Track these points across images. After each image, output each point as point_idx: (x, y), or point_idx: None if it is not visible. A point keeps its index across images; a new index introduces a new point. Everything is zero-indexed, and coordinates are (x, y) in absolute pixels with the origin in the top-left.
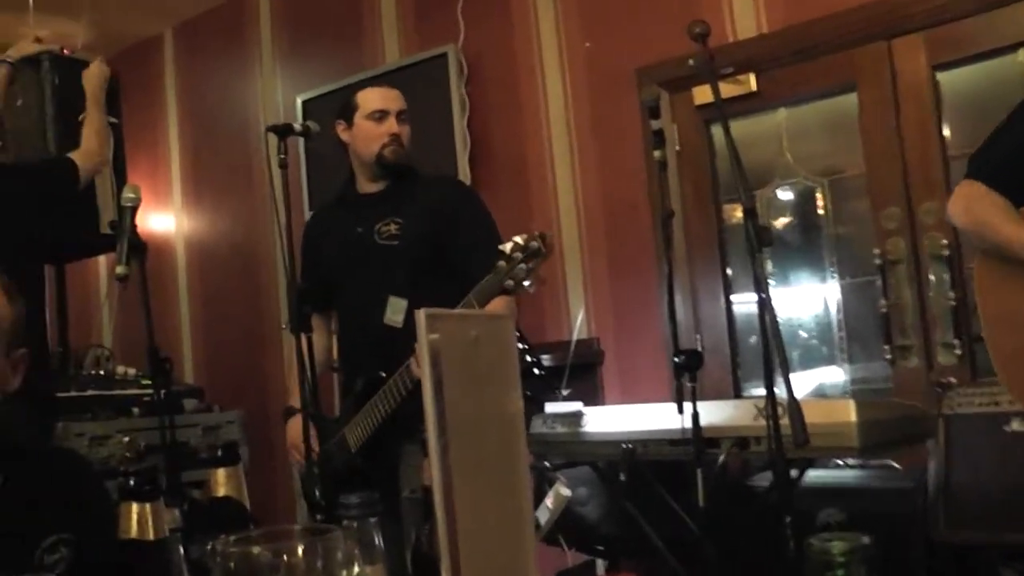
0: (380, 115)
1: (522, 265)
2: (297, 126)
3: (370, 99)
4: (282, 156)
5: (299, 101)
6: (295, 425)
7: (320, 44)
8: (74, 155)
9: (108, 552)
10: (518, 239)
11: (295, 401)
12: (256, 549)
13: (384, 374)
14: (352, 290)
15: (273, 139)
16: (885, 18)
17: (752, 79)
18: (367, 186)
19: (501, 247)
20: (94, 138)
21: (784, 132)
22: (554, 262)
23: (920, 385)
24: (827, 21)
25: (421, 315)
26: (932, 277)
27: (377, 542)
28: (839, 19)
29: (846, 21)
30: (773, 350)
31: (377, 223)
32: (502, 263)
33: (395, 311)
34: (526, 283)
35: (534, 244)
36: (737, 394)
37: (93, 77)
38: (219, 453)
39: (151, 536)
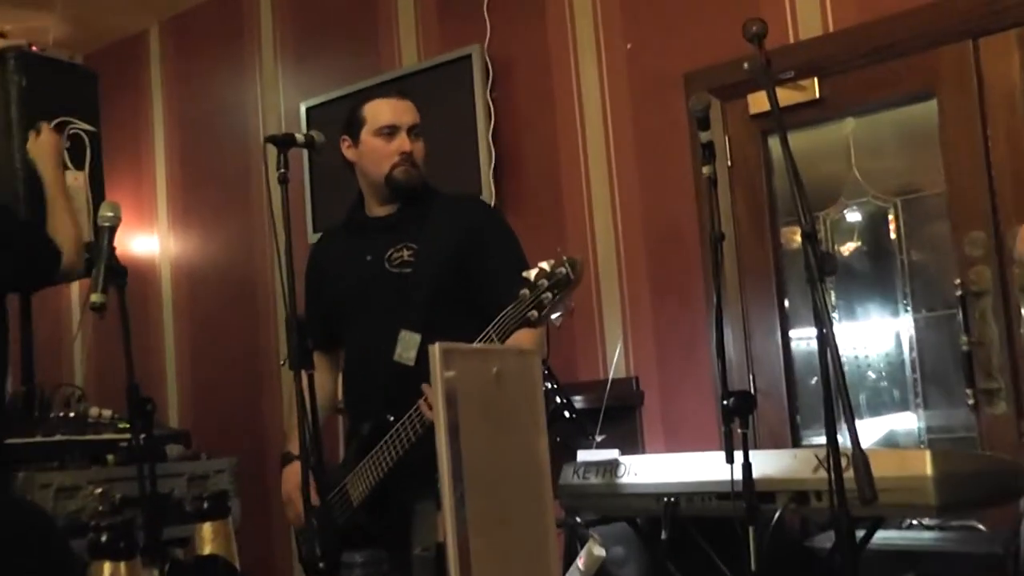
0: (390, 131)
1: (547, 294)
2: (300, 136)
3: (378, 112)
4: (283, 171)
5: (303, 108)
6: (292, 474)
7: (328, 44)
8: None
9: None
10: (544, 265)
11: (294, 447)
12: None
13: (392, 418)
14: (359, 324)
15: (273, 151)
16: (971, 14)
17: (815, 85)
18: (377, 209)
19: (525, 274)
20: (68, 232)
21: (852, 145)
22: (589, 291)
23: (1008, 434)
24: (903, 18)
25: (436, 349)
26: (1023, 311)
27: None
28: (917, 16)
29: (925, 18)
30: (836, 392)
31: (388, 249)
32: (525, 291)
33: (406, 347)
34: (554, 315)
35: (561, 271)
36: (795, 442)
37: (44, 151)
38: (205, 505)
39: None
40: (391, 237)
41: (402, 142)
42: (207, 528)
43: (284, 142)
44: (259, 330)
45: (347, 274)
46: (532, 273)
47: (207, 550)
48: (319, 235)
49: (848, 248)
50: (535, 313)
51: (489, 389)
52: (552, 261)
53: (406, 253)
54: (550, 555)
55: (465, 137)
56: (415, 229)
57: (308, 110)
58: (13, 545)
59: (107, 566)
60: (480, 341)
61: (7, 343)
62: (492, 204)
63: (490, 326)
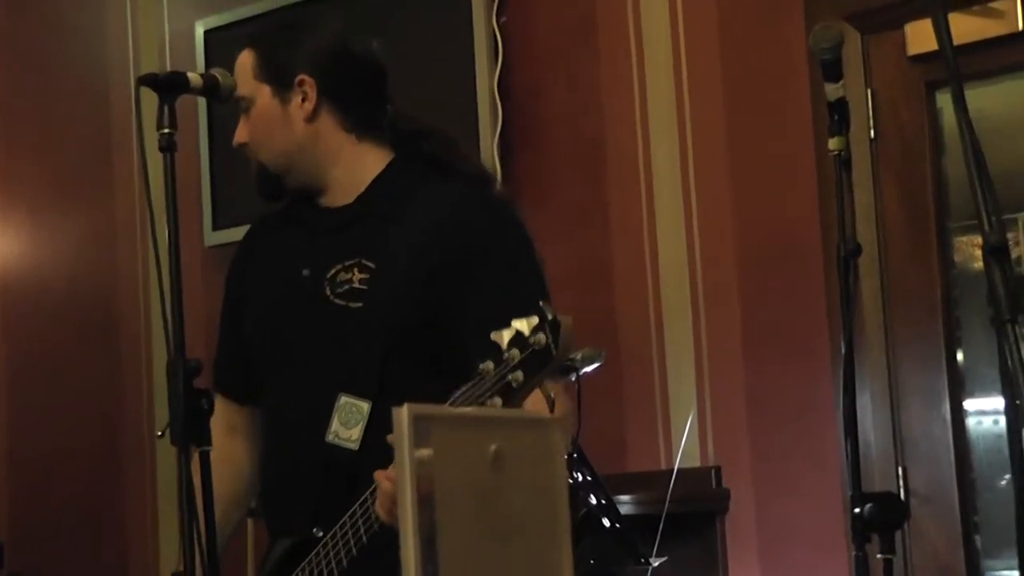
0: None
1: (517, 373)
2: (195, 77)
3: None
4: (167, 131)
5: (200, 32)
6: None
7: None
8: None
9: None
10: (522, 325)
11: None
12: None
13: (320, 533)
14: (280, 378)
15: (152, 100)
16: None
17: (1019, 8)
18: (332, 194)
19: (494, 336)
20: None
21: None
22: (646, 334)
23: None
24: None
25: (403, 415)
26: None
27: None
28: None
29: None
30: None
31: (334, 266)
32: (488, 365)
33: (347, 422)
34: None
35: (540, 339)
36: (973, 575)
37: None
38: None
39: None
40: (341, 245)
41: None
42: None
43: (171, 85)
44: (123, 379)
45: (272, 294)
46: (505, 336)
47: None
48: (253, 223)
49: None
50: (498, 401)
51: (484, 478)
52: (536, 320)
53: (357, 276)
54: None
55: (456, 85)
56: (377, 237)
57: (207, 35)
58: None
59: None
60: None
61: None
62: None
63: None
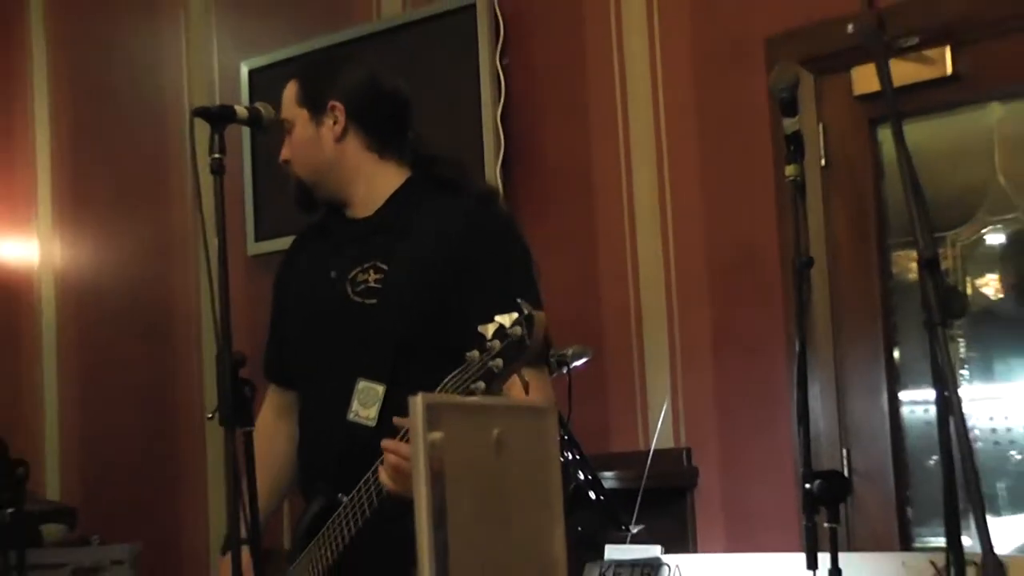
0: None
1: (498, 361)
2: (241, 110)
3: None
4: (216, 156)
5: (245, 71)
6: (226, 566)
7: None
8: None
9: None
10: (504, 319)
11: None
12: None
13: (343, 497)
14: (311, 366)
15: (204, 129)
16: None
17: (947, 56)
18: (358, 207)
19: (481, 329)
20: None
21: (997, 140)
22: (627, 333)
23: None
24: None
25: (417, 403)
26: None
27: None
28: None
29: None
30: (962, 478)
31: (354, 268)
32: (474, 353)
33: (365, 403)
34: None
35: (516, 332)
36: (905, 544)
37: None
38: None
39: None
40: (361, 250)
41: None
42: None
43: (220, 117)
44: (178, 371)
45: (306, 294)
46: (490, 329)
47: None
48: (290, 239)
49: (986, 282)
50: (482, 385)
51: (488, 459)
52: (515, 315)
53: (372, 277)
54: None
55: (464, 118)
56: (392, 242)
57: (252, 73)
58: None
59: None
60: (401, 436)
61: None
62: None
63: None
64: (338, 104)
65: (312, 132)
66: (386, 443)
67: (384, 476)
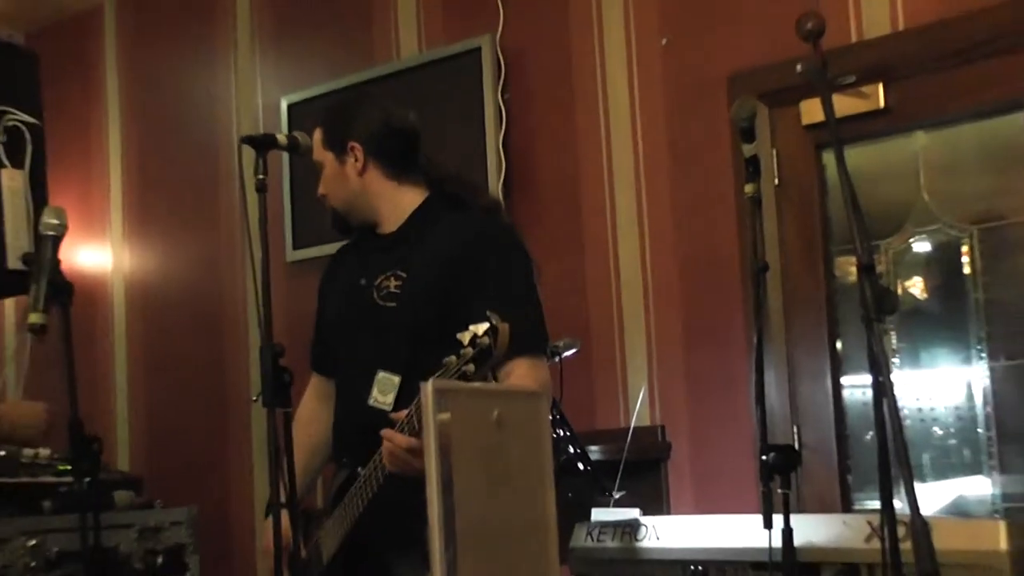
0: None
1: (470, 366)
2: (282, 138)
3: None
4: (261, 177)
5: (284, 105)
6: (270, 526)
7: (315, 30)
8: None
9: None
10: (477, 328)
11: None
12: None
13: (361, 470)
14: (343, 359)
15: (250, 154)
16: None
17: (880, 92)
18: (385, 223)
19: (459, 336)
20: None
21: (922, 163)
22: (610, 326)
23: None
24: (986, 14)
25: (428, 388)
26: None
27: None
28: (1003, 11)
29: (1013, 14)
30: (894, 450)
31: (379, 276)
32: (452, 358)
33: (383, 390)
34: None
35: (484, 341)
36: (846, 507)
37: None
38: (159, 561)
39: None
40: (385, 260)
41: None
42: None
43: (264, 143)
44: (227, 360)
45: (340, 298)
46: (465, 337)
47: None
48: (318, 250)
49: (914, 283)
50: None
51: (489, 436)
52: (485, 325)
53: (393, 283)
54: None
55: (471, 143)
56: (408, 253)
57: (290, 107)
58: None
59: None
60: (412, 409)
61: None
62: (508, 221)
63: (415, 402)
64: (356, 144)
65: (338, 170)
66: (385, 432)
67: (385, 459)
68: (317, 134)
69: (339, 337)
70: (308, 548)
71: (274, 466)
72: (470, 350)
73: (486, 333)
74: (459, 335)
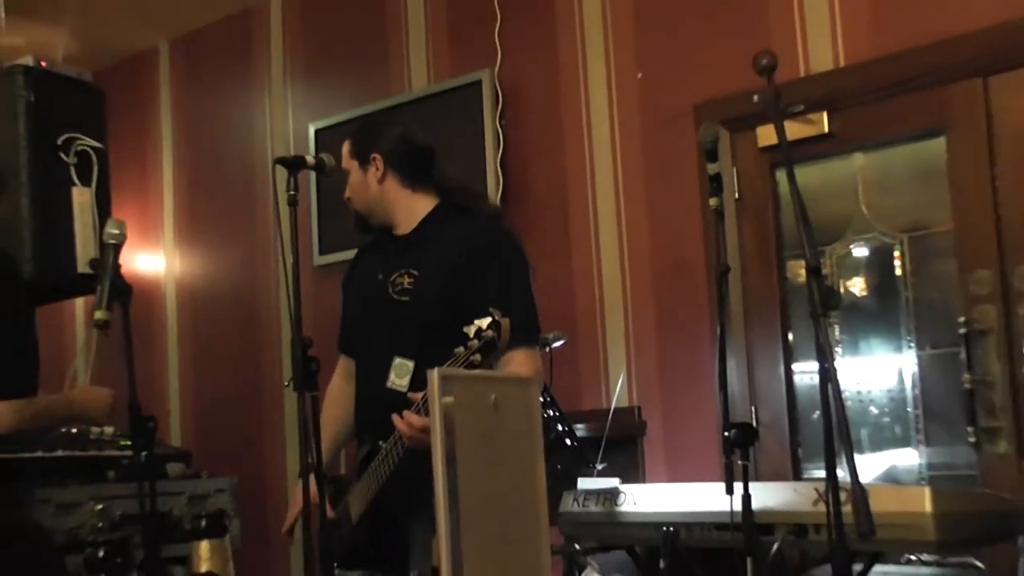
0: None
1: (476, 356)
2: (310, 159)
3: None
4: (292, 192)
5: (312, 130)
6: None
7: (338, 65)
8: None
9: None
10: (482, 322)
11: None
12: None
13: (382, 444)
14: (363, 346)
15: (282, 173)
16: (982, 51)
17: (825, 119)
18: (399, 228)
19: (466, 329)
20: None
21: (860, 181)
22: (593, 319)
23: (1008, 473)
24: (914, 54)
25: (434, 375)
26: None
27: None
28: (928, 52)
29: (937, 54)
30: (837, 427)
31: (394, 273)
32: (461, 349)
33: (400, 374)
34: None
35: (489, 335)
36: (796, 476)
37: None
38: (203, 524)
39: None
40: (399, 259)
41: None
42: (204, 546)
43: (294, 164)
44: (263, 351)
45: (360, 293)
46: (471, 330)
47: (204, 568)
48: (342, 255)
49: (853, 284)
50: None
51: (487, 417)
52: (489, 319)
53: (406, 280)
54: None
55: (474, 163)
56: (420, 254)
57: (317, 132)
58: (6, 560)
59: None
60: (422, 398)
61: (37, 360)
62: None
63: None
64: (378, 156)
65: (362, 177)
66: (395, 417)
67: (403, 428)
68: (346, 146)
69: (360, 327)
70: (338, 510)
71: (303, 441)
72: (476, 342)
73: (490, 327)
74: (465, 328)
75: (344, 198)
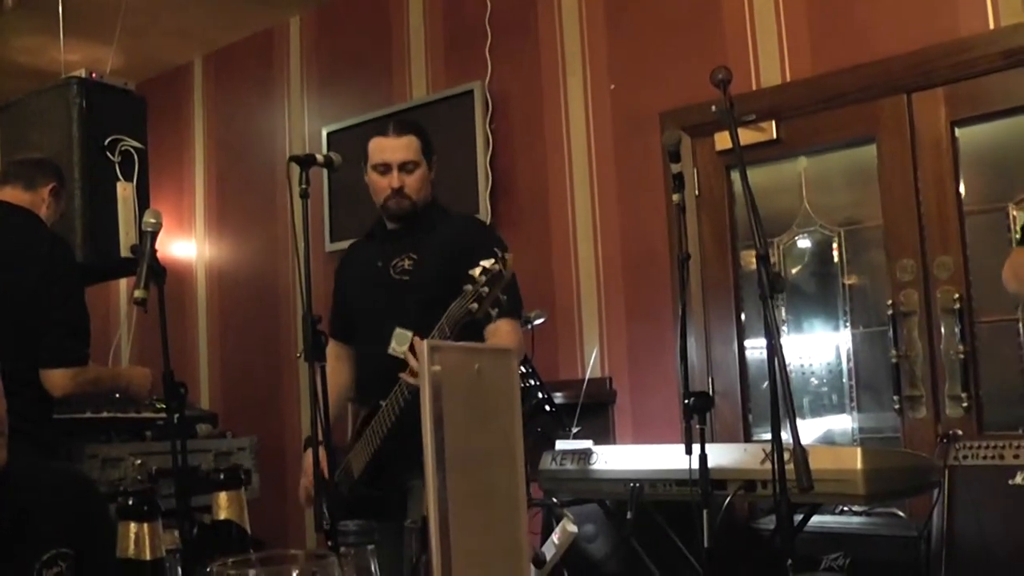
0: (383, 168)
1: (485, 288)
2: (320, 157)
3: (374, 151)
4: (304, 187)
5: (324, 133)
6: (309, 456)
7: (348, 76)
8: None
9: (107, 569)
10: (485, 263)
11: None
12: (252, 572)
13: (382, 403)
14: (365, 322)
15: (296, 169)
16: (907, 72)
17: (773, 127)
18: (389, 223)
19: (470, 272)
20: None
21: (803, 181)
22: (570, 300)
23: (927, 435)
24: (850, 72)
25: (424, 346)
26: (943, 330)
27: (373, 569)
28: (862, 71)
29: (868, 73)
30: (782, 396)
31: (394, 258)
32: (468, 287)
33: (400, 342)
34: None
35: (496, 267)
36: (747, 438)
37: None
38: (221, 476)
39: (147, 556)
40: (398, 247)
41: (393, 178)
42: (222, 496)
43: (306, 162)
44: (280, 326)
45: (360, 277)
46: (476, 271)
47: (222, 516)
48: (350, 241)
49: (797, 270)
50: (476, 306)
51: (471, 383)
52: (492, 260)
53: (407, 263)
54: (521, 528)
55: (467, 162)
56: (419, 242)
57: (328, 134)
58: (58, 505)
59: (132, 526)
60: (435, 331)
61: (89, 333)
62: (488, 222)
63: (443, 317)
64: (433, 157)
65: (427, 173)
66: (403, 375)
67: (408, 377)
68: (414, 142)
69: (364, 303)
70: (339, 470)
71: (314, 404)
72: (483, 277)
73: (496, 262)
74: (470, 271)
75: (396, 186)
